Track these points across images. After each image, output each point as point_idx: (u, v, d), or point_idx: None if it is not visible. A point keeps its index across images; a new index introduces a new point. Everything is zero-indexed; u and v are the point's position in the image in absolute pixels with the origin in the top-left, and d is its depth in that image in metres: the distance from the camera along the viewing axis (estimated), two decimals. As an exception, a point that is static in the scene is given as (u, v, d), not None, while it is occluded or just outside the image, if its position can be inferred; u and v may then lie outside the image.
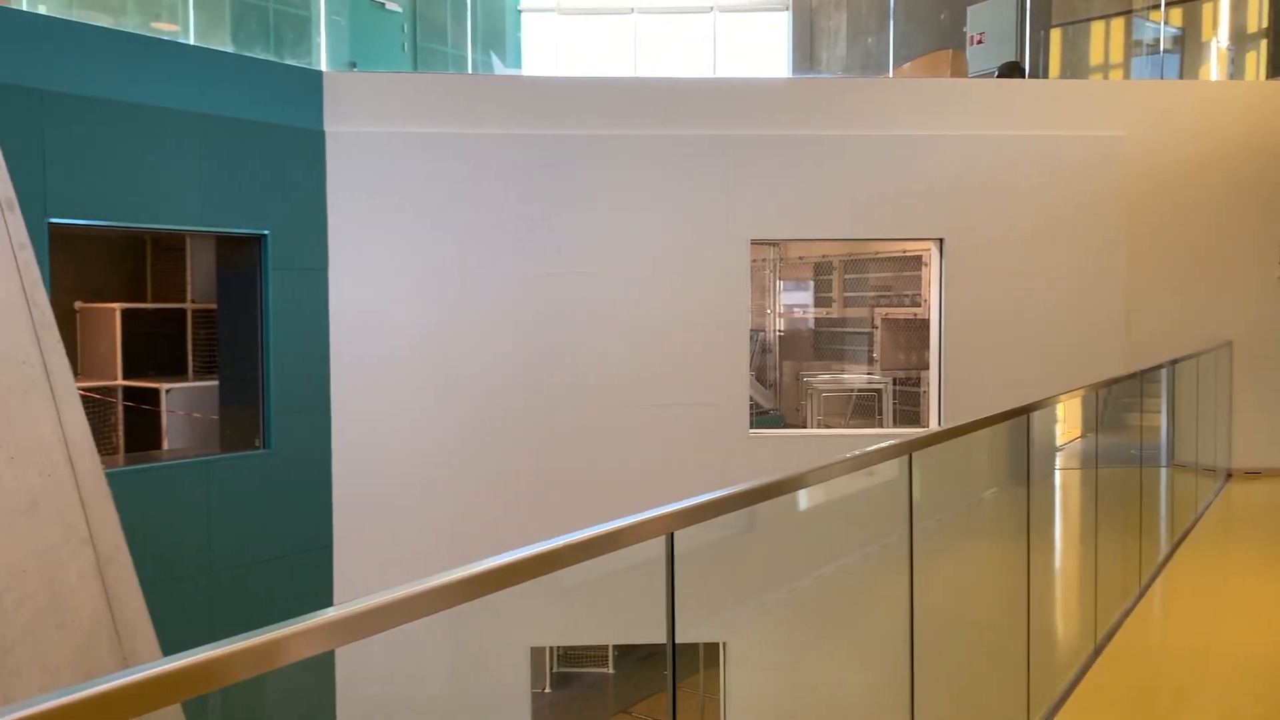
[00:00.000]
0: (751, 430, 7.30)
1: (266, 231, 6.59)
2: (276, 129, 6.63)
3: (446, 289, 7.08)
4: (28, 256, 3.09)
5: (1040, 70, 10.31)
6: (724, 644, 7.65)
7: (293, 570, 6.79)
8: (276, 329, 6.67)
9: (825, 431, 8.41)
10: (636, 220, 7.19)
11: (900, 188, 7.40)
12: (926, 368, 10.26)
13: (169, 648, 6.15)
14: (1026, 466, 3.93)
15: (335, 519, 7.04)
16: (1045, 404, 4.00)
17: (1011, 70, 9.85)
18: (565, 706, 11.19)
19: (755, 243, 8.03)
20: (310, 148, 6.83)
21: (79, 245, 9.39)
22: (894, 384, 10.01)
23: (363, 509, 7.09)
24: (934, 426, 7.55)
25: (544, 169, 7.12)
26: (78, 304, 9.08)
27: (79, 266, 9.35)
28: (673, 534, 2.06)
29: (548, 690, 11.34)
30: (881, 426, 9.67)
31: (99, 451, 8.73)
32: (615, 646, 11.48)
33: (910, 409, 9.95)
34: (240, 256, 6.73)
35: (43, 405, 2.72)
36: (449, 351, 7.10)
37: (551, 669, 11.43)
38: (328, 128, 6.93)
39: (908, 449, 2.87)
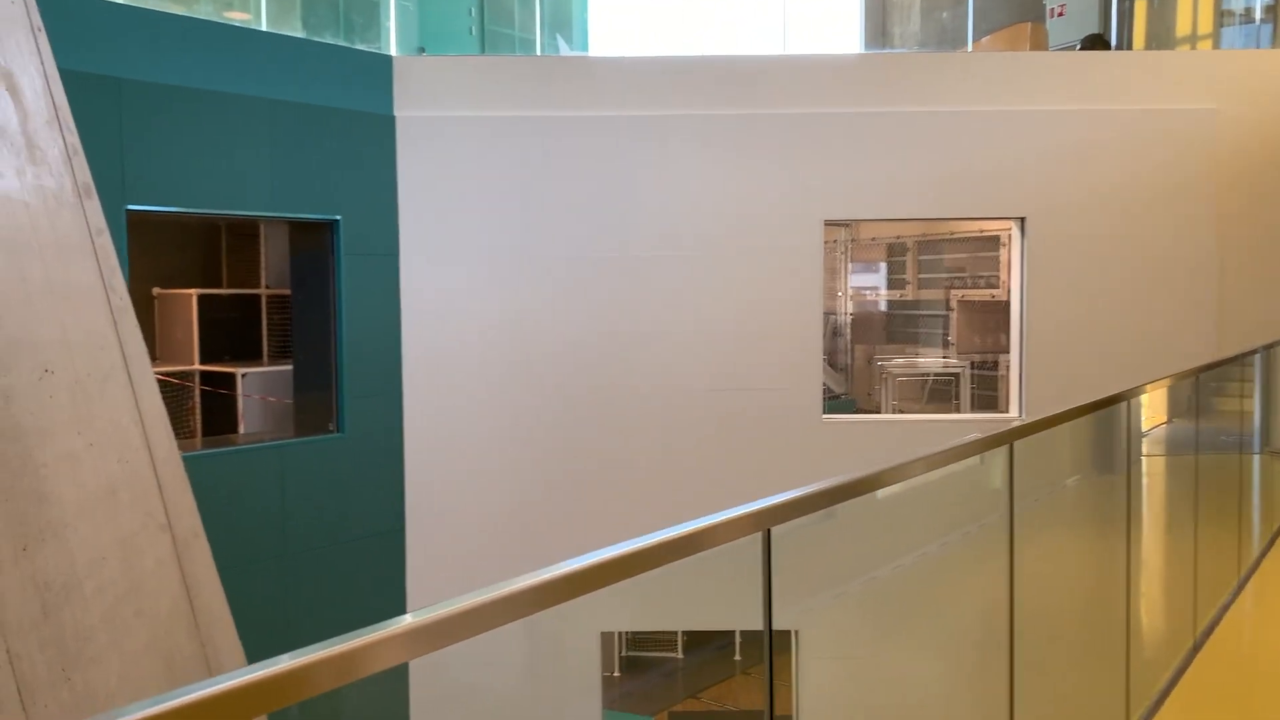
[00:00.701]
0: (825, 415, 7.15)
1: (338, 217, 6.61)
2: (347, 114, 6.63)
3: (515, 273, 7.04)
4: (105, 242, 3.09)
5: (1125, 42, 9.94)
6: (796, 632, 7.52)
7: (365, 553, 6.83)
8: (349, 314, 6.69)
9: (902, 417, 8.23)
10: (707, 202, 7.07)
11: (979, 165, 7.17)
12: (1004, 351, 9.99)
13: (245, 632, 6.23)
14: (1127, 454, 3.75)
15: (407, 503, 7.06)
16: (1144, 390, 3.82)
17: (1095, 42, 9.50)
18: (635, 691, 11.17)
19: (828, 224, 7.87)
20: (381, 133, 6.83)
21: (157, 232, 9.55)
22: (971, 368, 9.76)
23: (434, 493, 7.10)
24: (1014, 412, 7.33)
25: (613, 151, 7.04)
26: (156, 290, 9.24)
27: (157, 253, 9.51)
28: (769, 530, 1.97)
29: (617, 674, 11.34)
30: (959, 412, 9.45)
31: (176, 435, 8.91)
32: (685, 633, 11.43)
33: (988, 393, 9.70)
34: (313, 242, 6.76)
35: (121, 391, 2.72)
36: (518, 336, 7.06)
37: (621, 653, 11.42)
38: (398, 112, 6.92)
39: (1009, 438, 2.72)
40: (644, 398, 7.09)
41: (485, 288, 7.05)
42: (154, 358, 9.50)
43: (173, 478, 2.89)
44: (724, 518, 1.79)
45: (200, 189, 5.96)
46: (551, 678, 7.19)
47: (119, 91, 5.57)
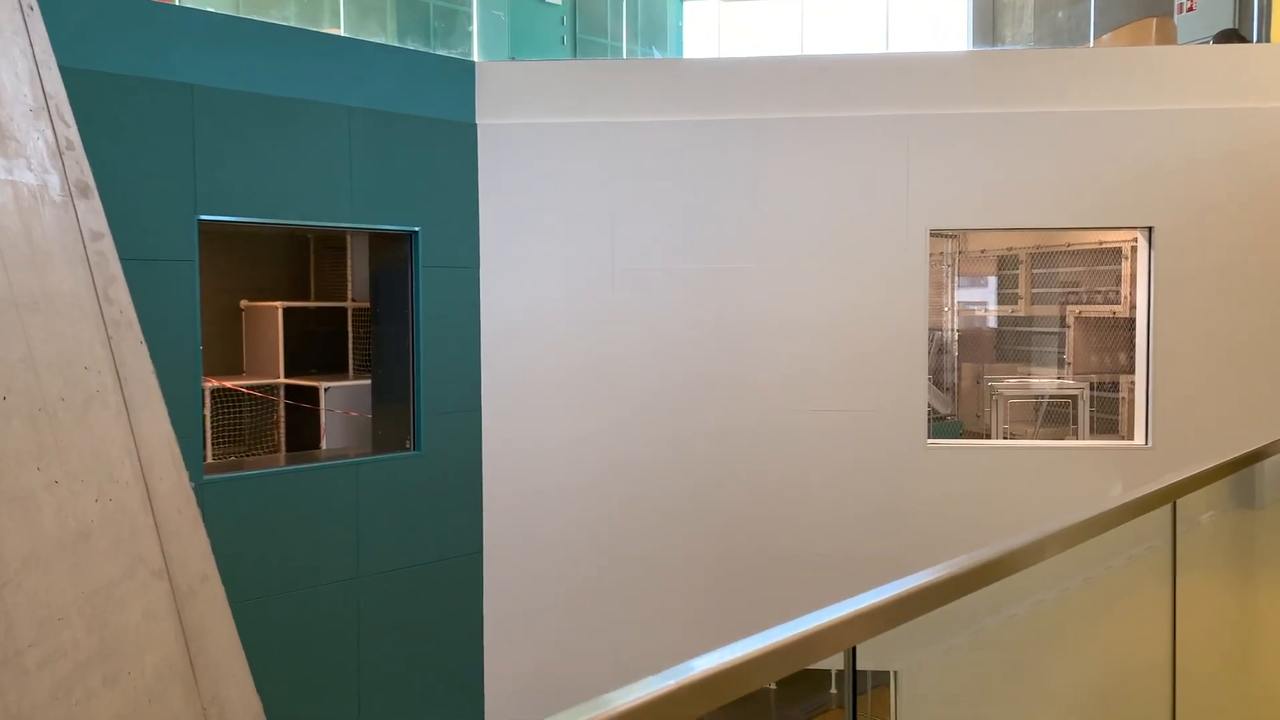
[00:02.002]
0: (929, 441, 6.64)
1: (418, 228, 6.38)
2: (428, 122, 6.41)
3: (600, 287, 6.72)
4: (103, 247, 2.84)
5: (1263, 37, 9.17)
6: (895, 673, 6.99)
7: (442, 577, 6.57)
8: (427, 329, 6.46)
9: (1016, 444, 7.63)
10: (804, 210, 6.64)
11: (1102, 170, 6.58)
12: (1125, 371, 9.28)
13: (314, 654, 6.03)
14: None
15: (485, 525, 6.79)
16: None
17: (1229, 38, 8.77)
18: (725, 722, 10.68)
19: (934, 234, 7.35)
20: (462, 141, 6.59)
21: (245, 244, 9.55)
22: (1091, 389, 9.08)
23: (514, 515, 6.81)
24: (1139, 439, 6.70)
25: (704, 158, 6.67)
26: (244, 302, 9.22)
27: (246, 265, 9.51)
28: (854, 648, 1.58)
29: (707, 705, 10.84)
30: (1077, 437, 8.78)
31: (260, 450, 8.81)
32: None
33: (1109, 417, 9.01)
34: (392, 254, 6.55)
35: (109, 417, 2.45)
36: (602, 353, 6.73)
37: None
38: (480, 120, 6.68)
39: (1171, 495, 2.23)
40: (734, 418, 6.68)
41: (568, 302, 6.74)
42: (241, 371, 9.47)
43: (179, 515, 2.61)
44: (805, 630, 1.40)
45: (275, 199, 5.79)
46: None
47: (191, 98, 5.43)
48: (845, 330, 6.64)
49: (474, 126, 6.64)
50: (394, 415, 6.63)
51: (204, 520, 5.55)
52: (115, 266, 2.88)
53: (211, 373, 9.39)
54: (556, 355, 6.77)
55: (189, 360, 5.47)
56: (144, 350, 2.79)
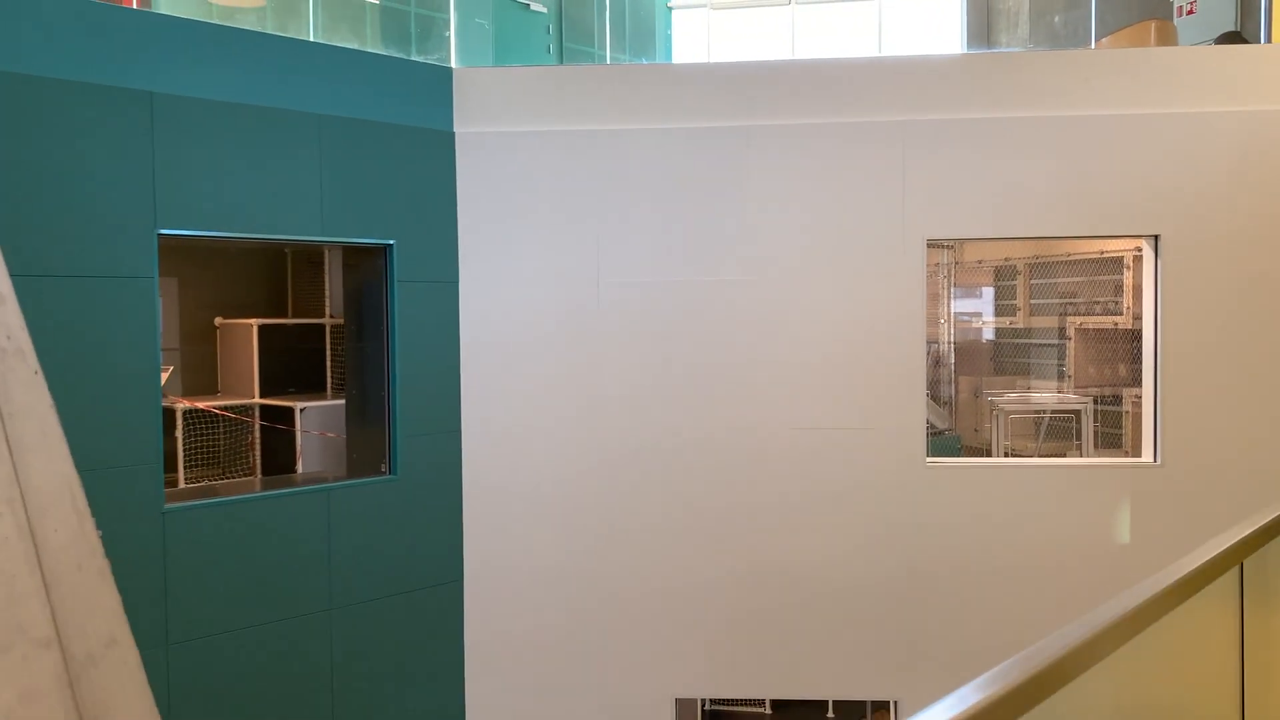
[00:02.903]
0: (929, 460, 6.35)
1: (392, 241, 6.10)
2: (403, 130, 6.14)
3: (585, 301, 6.44)
4: None
5: (1266, 40, 8.94)
6: (895, 702, 6.76)
7: (420, 607, 6.27)
8: (403, 346, 6.17)
9: (1020, 462, 7.35)
10: (796, 220, 6.37)
11: (1106, 177, 6.32)
12: (1127, 385, 9.02)
13: (284, 690, 5.72)
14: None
15: (466, 552, 6.48)
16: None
17: (1232, 40, 8.54)
18: (720, 748, 10.36)
19: (931, 244, 7.09)
20: (439, 150, 6.32)
21: (220, 259, 9.27)
22: (1094, 403, 8.81)
23: (496, 541, 6.51)
24: (1147, 456, 6.42)
25: (693, 166, 6.39)
26: (218, 320, 8.93)
27: (221, 281, 9.22)
28: None
29: (700, 729, 10.54)
30: (1081, 453, 8.51)
31: (234, 474, 8.49)
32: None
33: (1113, 431, 8.74)
34: (365, 268, 6.27)
35: (-17, 463, 2.16)
36: (587, 370, 6.45)
37: (703, 707, 10.65)
38: (458, 128, 6.40)
39: (1237, 557, 1.91)
40: (726, 437, 6.39)
41: (552, 317, 6.46)
42: (217, 390, 9.17)
43: (76, 571, 2.32)
44: None
45: (240, 212, 5.50)
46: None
47: (150, 106, 5.15)
48: (840, 344, 6.36)
49: (451, 135, 6.37)
50: (369, 437, 6.34)
51: (165, 551, 5.26)
52: (6, 285, 2.59)
53: (186, 392, 9.09)
54: (540, 373, 6.48)
55: (148, 382, 5.17)
56: (40, 382, 2.50)
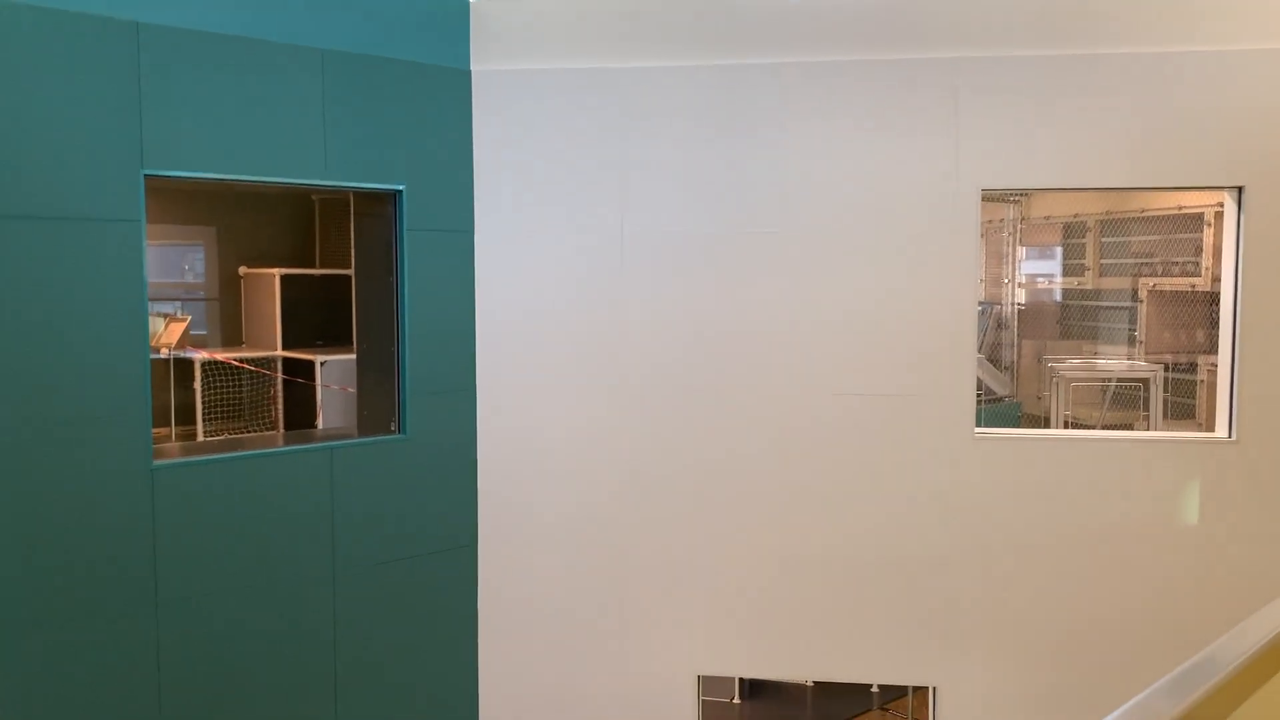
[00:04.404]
0: (978, 430, 5.85)
1: (401, 187, 5.73)
2: (414, 67, 5.74)
3: (608, 254, 6.01)
4: None
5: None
6: (934, 689, 6.31)
7: (431, 572, 5.97)
8: (414, 300, 5.82)
9: (1077, 434, 6.78)
10: (836, 167, 5.85)
11: (1186, 122, 5.69)
12: (1204, 351, 8.36)
13: (286, 657, 5.47)
14: None
15: (480, 515, 6.16)
16: None
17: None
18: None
19: (988, 196, 6.52)
20: (454, 89, 5.92)
21: (246, 206, 9.03)
22: (1165, 370, 8.17)
23: (511, 505, 6.18)
24: (1220, 431, 5.84)
25: (725, 109, 5.90)
26: (242, 269, 8.71)
27: (246, 229, 8.98)
28: None
29: (736, 701, 10.23)
30: (1149, 425, 7.89)
31: (256, 428, 8.29)
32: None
33: (1184, 401, 8.11)
34: (374, 216, 5.91)
35: None
36: (610, 328, 6.04)
37: (743, 677, 10.30)
38: (475, 66, 5.98)
39: None
40: (756, 402, 5.95)
41: (573, 269, 6.05)
42: (240, 342, 8.97)
43: None
44: None
45: (234, 153, 5.16)
46: (644, 718, 6.18)
47: (137, 38, 4.81)
48: (883, 304, 5.85)
49: (467, 73, 5.96)
50: (380, 394, 6.02)
51: (154, 510, 5.01)
52: None
53: (210, 344, 8.91)
54: (559, 330, 6.09)
55: (136, 332, 4.89)
56: None
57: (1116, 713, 1.39)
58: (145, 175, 4.87)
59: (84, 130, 4.71)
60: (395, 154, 5.71)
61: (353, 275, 6.31)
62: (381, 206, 5.88)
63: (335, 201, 8.31)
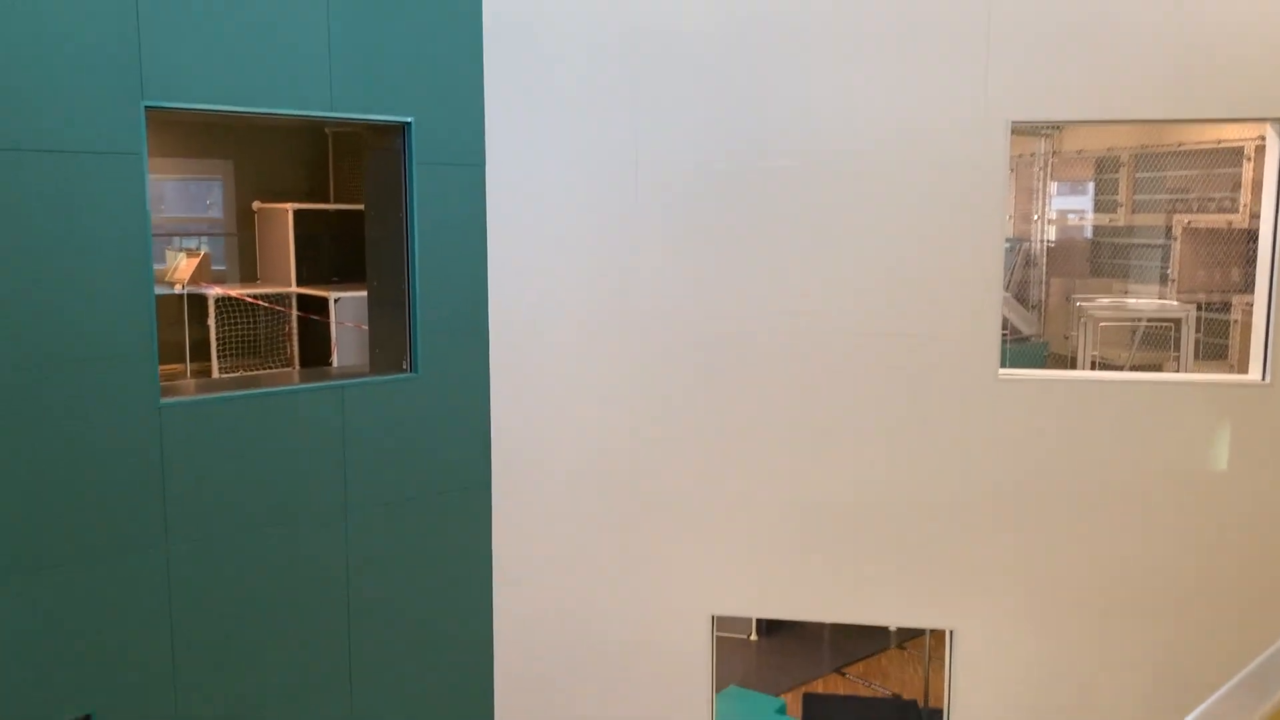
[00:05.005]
0: (1002, 371, 5.69)
1: (410, 119, 5.57)
2: (423, -6, 5.55)
3: (624, 189, 5.85)
4: None
5: None
6: (951, 632, 6.24)
7: (444, 512, 5.93)
8: (424, 236, 5.69)
9: (1103, 376, 6.60)
10: (858, 98, 5.64)
11: (1227, 49, 5.41)
12: (1240, 290, 8.13)
13: (298, 589, 5.45)
14: None
15: (494, 455, 6.10)
16: None
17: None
18: (774, 658, 10.09)
19: (1018, 129, 6.29)
20: (464, 16, 5.72)
21: (260, 140, 8.90)
22: (1198, 309, 7.95)
23: (526, 445, 6.10)
24: (1255, 373, 5.66)
25: (744, 36, 5.68)
26: (256, 203, 8.60)
27: (260, 163, 8.86)
28: None
29: (753, 638, 10.26)
30: (1179, 367, 7.70)
31: (272, 364, 8.25)
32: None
33: (1217, 342, 7.90)
34: (384, 149, 5.77)
35: None
36: (625, 264, 5.90)
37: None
38: (486, -8, 5.78)
39: None
40: (770, 340, 5.82)
41: (587, 205, 5.90)
42: (255, 277, 8.90)
43: None
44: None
45: (236, 84, 5.02)
46: (652, 663, 6.17)
47: (133, -37, 4.65)
48: (905, 241, 5.67)
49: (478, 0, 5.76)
50: (392, 333, 5.93)
51: (163, 448, 4.97)
52: None
53: (226, 280, 8.84)
54: (573, 267, 5.95)
55: (139, 267, 4.80)
56: None
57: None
58: (146, 107, 4.73)
59: (83, 61, 4.58)
60: (403, 85, 5.55)
61: (364, 210, 6.18)
62: (391, 139, 5.73)
63: (348, 135, 8.15)
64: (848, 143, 5.66)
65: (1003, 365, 5.75)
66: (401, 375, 5.79)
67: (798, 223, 5.74)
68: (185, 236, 9.10)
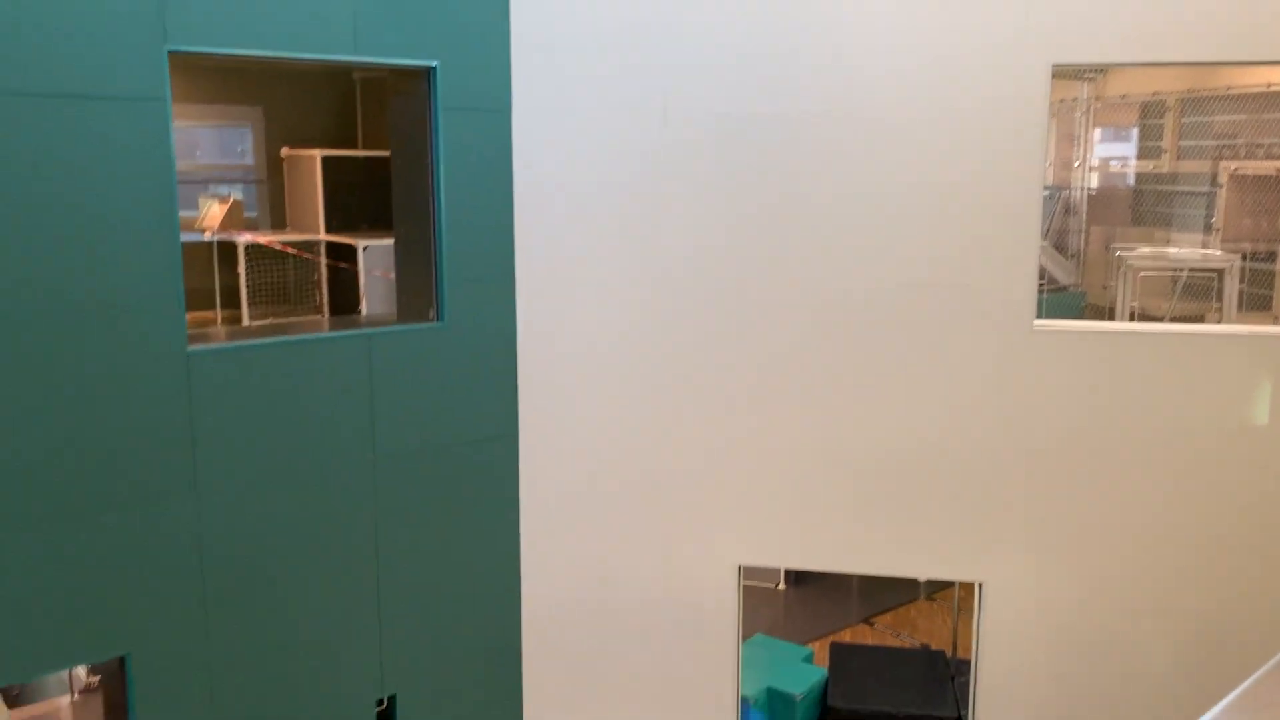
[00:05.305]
0: (1037, 322, 5.57)
1: (435, 63, 5.48)
2: (447, -66, 5.43)
3: (653, 133, 5.74)
4: None
5: None
6: (980, 585, 6.20)
7: (471, 461, 5.94)
8: (450, 183, 5.62)
9: (1143, 327, 6.45)
10: (894, 40, 5.48)
11: (1282, -13, 5.20)
12: (1287, 239, 7.91)
13: (326, 535, 5.49)
14: None
15: (521, 405, 6.08)
16: None
17: None
18: (802, 608, 10.11)
19: (1060, 73, 6.09)
20: (490, -42, 5.60)
21: (287, 86, 8.84)
22: (1242, 260, 7.74)
23: (554, 394, 6.08)
24: (1300, 324, 5.50)
25: (777, -23, 5.52)
26: (284, 150, 8.56)
27: (288, 110, 8.81)
28: None
29: (781, 587, 10.29)
30: (1222, 318, 7.51)
31: (301, 312, 8.28)
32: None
33: (1261, 293, 7.70)
34: (410, 94, 5.69)
35: None
36: (653, 213, 5.81)
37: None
38: (512, -68, 5.65)
39: None
40: (800, 289, 5.73)
41: (615, 152, 5.80)
42: (284, 225, 8.89)
43: None
44: None
45: (260, 27, 4.95)
46: (679, 612, 6.18)
47: (153, -97, 4.57)
48: (940, 187, 5.54)
49: (503, -60, 5.63)
50: (418, 281, 5.89)
51: (191, 396, 4.99)
52: None
53: (256, 227, 8.84)
54: (601, 215, 5.88)
55: (164, 215, 4.78)
56: None
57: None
58: (169, 52, 4.68)
59: (106, 6, 4.52)
60: (428, 28, 5.45)
61: (390, 157, 6.12)
62: (416, 84, 5.64)
63: (376, 81, 8.07)
64: (882, 87, 5.51)
65: (1039, 316, 5.64)
66: (428, 324, 5.77)
67: (829, 168, 5.61)
68: (219, 183, 9.10)
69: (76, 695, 7.78)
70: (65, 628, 4.73)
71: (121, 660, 4.97)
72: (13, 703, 7.95)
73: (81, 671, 7.60)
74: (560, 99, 5.80)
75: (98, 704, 6.89)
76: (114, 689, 5.19)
